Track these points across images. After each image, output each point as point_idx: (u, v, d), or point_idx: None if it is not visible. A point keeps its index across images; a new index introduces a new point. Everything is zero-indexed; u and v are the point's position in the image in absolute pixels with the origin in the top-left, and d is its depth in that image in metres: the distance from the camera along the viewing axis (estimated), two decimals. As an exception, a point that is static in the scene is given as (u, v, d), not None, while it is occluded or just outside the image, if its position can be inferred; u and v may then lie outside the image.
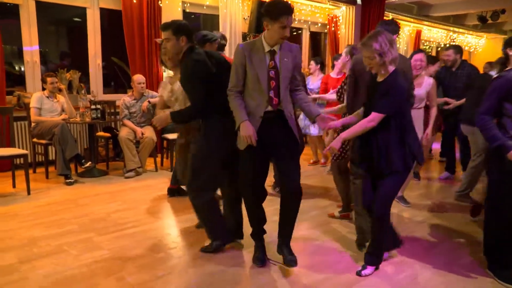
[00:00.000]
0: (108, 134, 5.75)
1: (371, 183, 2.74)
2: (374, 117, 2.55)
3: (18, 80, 5.93)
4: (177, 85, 3.19)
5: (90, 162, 5.09)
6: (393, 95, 2.52)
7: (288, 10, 2.54)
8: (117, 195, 4.52)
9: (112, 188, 4.81)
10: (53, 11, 6.50)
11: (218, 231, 3.06)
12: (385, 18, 9.54)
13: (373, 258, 2.78)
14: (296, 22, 8.65)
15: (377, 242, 2.75)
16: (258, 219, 2.89)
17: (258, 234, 2.93)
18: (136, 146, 5.36)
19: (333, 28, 9.18)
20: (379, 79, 2.64)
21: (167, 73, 6.38)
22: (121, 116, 5.50)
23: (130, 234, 3.41)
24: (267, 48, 2.64)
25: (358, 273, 2.75)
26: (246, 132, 2.58)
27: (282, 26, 2.54)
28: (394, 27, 3.33)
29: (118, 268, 2.81)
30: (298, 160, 2.83)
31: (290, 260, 2.74)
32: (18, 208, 4.04)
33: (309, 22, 8.99)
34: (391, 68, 2.57)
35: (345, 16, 9.15)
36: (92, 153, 5.49)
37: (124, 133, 5.29)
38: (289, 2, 2.65)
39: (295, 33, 9.05)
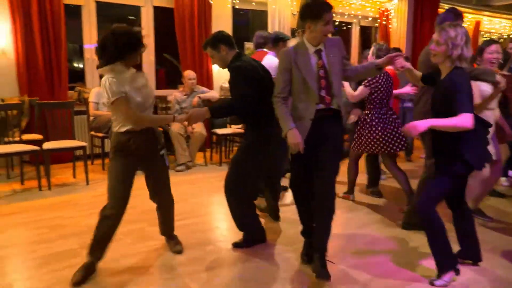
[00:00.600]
0: (160, 129, 5.94)
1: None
2: (467, 119, 2.31)
3: (79, 76, 6.26)
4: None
5: (143, 155, 5.29)
6: (461, 91, 2.35)
7: (328, 6, 2.55)
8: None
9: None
10: (111, 10, 6.79)
11: (253, 228, 3.15)
12: (439, 9, 9.17)
13: (438, 267, 2.60)
14: (345, 17, 8.51)
15: (430, 247, 2.61)
16: (307, 218, 2.90)
17: (307, 232, 2.94)
18: (187, 140, 5.51)
19: (384, 22, 8.94)
20: (442, 75, 2.52)
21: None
22: (173, 111, 5.68)
23: (180, 226, 3.52)
24: (312, 49, 2.63)
25: (431, 283, 2.59)
26: (294, 140, 2.59)
27: (325, 23, 2.54)
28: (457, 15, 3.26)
29: (169, 258, 2.93)
30: (338, 161, 2.76)
31: (322, 273, 2.56)
32: (78, 197, 4.29)
33: (359, 17, 8.81)
34: (457, 64, 2.41)
35: (397, 9, 8.87)
36: (145, 146, 5.69)
37: (175, 127, 5.46)
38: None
39: (345, 27, 8.91)
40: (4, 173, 4.93)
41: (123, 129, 2.60)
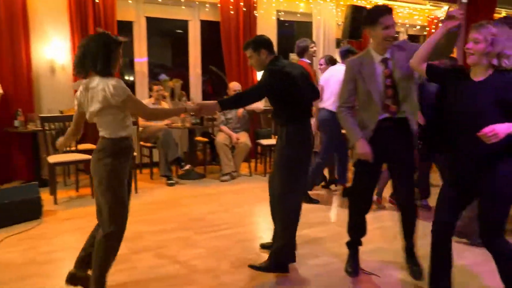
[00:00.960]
0: (205, 139, 6.10)
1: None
2: None
3: (129, 89, 6.52)
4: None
5: (189, 165, 5.44)
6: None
7: (386, 10, 2.52)
8: (213, 197, 4.76)
9: (208, 190, 5.09)
10: (159, 25, 7.07)
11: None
12: (495, 15, 8.80)
13: None
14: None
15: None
16: (358, 229, 2.87)
17: (354, 243, 2.91)
18: (232, 151, 5.60)
19: (433, 30, 8.68)
20: (478, 77, 2.19)
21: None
22: (218, 121, 5.79)
23: (225, 235, 3.58)
24: (377, 58, 2.61)
25: None
26: (362, 150, 2.59)
27: (384, 27, 2.51)
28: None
29: (213, 266, 2.98)
30: (413, 169, 2.75)
31: (415, 271, 2.78)
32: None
33: (407, 25, 8.62)
34: (495, 63, 2.14)
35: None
36: (191, 156, 5.86)
37: (220, 138, 5.57)
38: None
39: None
40: (61, 180, 5.21)
41: (124, 134, 2.44)
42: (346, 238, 2.95)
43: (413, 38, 9.33)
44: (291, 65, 3.00)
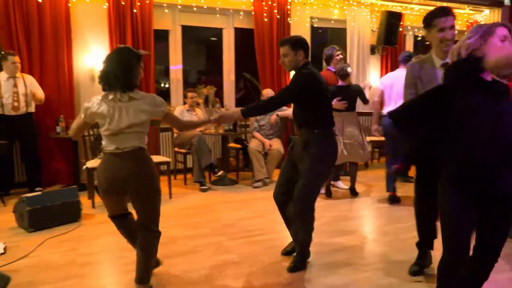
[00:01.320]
0: (238, 145, 6.14)
1: None
2: None
3: (164, 96, 6.69)
4: None
5: (222, 171, 5.49)
6: None
7: (442, 12, 2.46)
8: (246, 203, 4.78)
9: (241, 196, 5.11)
10: (194, 33, 7.21)
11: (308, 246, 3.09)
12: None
13: None
14: (429, 31, 8.16)
15: None
16: (430, 229, 2.79)
17: (426, 243, 2.85)
18: (264, 157, 5.61)
19: (472, 35, 8.42)
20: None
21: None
22: (251, 128, 5.83)
23: (257, 241, 3.59)
24: (438, 63, 2.54)
25: None
26: None
27: (439, 29, 2.45)
28: None
29: (245, 272, 2.98)
30: None
31: None
32: (162, 209, 4.49)
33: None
34: None
35: (489, 20, 8.32)
36: (224, 163, 5.91)
37: (253, 144, 5.59)
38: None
39: (428, 42, 8.54)
40: (99, 184, 5.37)
41: (145, 146, 2.57)
42: (377, 247, 2.89)
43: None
44: (318, 73, 3.03)
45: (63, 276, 2.90)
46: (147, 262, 2.57)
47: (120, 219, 2.76)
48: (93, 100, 2.53)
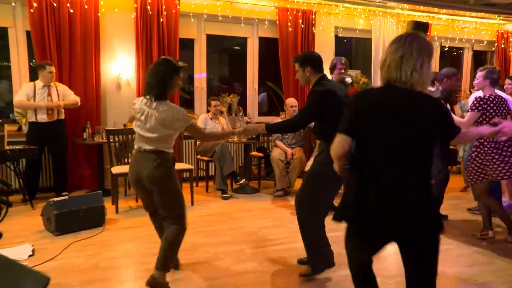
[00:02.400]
0: (261, 154, 6.14)
1: None
2: None
3: (188, 104, 6.77)
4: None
5: (244, 180, 5.49)
6: None
7: None
8: (267, 212, 4.77)
9: (263, 205, 5.10)
10: (219, 42, 7.29)
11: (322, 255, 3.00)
12: None
13: None
14: (456, 41, 8.03)
15: None
16: None
17: None
18: (287, 166, 5.59)
19: (502, 45, 8.24)
20: None
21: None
22: (274, 137, 5.82)
23: (278, 250, 3.56)
24: None
25: None
26: None
27: None
28: None
29: (266, 281, 2.96)
30: None
31: None
32: (184, 216, 4.57)
33: (472, 41, 8.25)
34: None
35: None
36: (246, 171, 5.92)
37: (276, 153, 5.59)
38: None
39: (455, 53, 8.41)
40: (123, 190, 5.46)
41: (171, 150, 2.80)
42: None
43: (479, 55, 8.91)
44: (337, 85, 3.02)
45: (87, 279, 2.95)
46: (165, 252, 2.74)
47: (154, 217, 3.07)
48: (140, 98, 2.82)
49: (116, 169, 4.73)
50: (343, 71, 4.94)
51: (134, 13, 5.74)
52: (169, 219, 2.77)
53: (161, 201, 2.76)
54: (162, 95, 2.68)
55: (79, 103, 5.22)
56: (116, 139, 4.95)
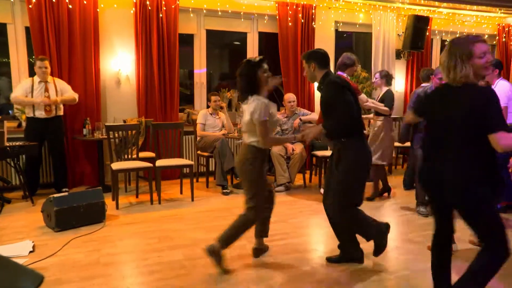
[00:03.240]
0: (261, 149, 6.12)
1: None
2: None
3: (188, 99, 6.76)
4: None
5: (244, 175, 5.48)
6: None
7: None
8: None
9: (263, 200, 5.09)
10: (218, 37, 7.26)
11: (375, 234, 3.06)
12: None
13: None
14: (457, 35, 8.00)
15: None
16: None
17: None
18: (287, 161, 5.58)
19: (504, 39, 8.20)
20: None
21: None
22: (274, 132, 5.79)
23: (279, 245, 3.56)
24: None
25: None
26: None
27: None
28: None
29: (267, 277, 2.96)
30: None
31: None
32: (184, 212, 4.57)
33: (474, 34, 8.20)
34: None
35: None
36: (246, 166, 5.90)
37: (276, 148, 5.57)
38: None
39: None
40: (123, 186, 5.46)
41: (255, 143, 3.00)
42: (401, 255, 2.82)
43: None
44: (340, 79, 3.04)
45: (88, 275, 2.95)
46: (231, 228, 3.04)
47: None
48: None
49: (116, 165, 4.73)
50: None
51: (133, 9, 5.71)
52: (246, 204, 3.06)
53: (245, 187, 3.14)
54: (249, 91, 2.95)
55: (77, 99, 5.21)
56: (116, 135, 4.94)
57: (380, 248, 3.06)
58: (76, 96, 5.18)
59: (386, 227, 3.09)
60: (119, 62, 5.84)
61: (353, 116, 2.90)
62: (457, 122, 2.12)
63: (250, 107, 2.91)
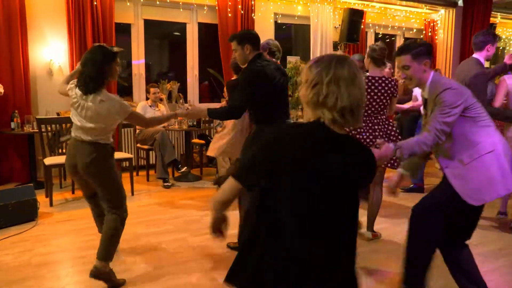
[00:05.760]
0: (202, 141, 6.10)
1: None
2: None
3: (127, 91, 6.54)
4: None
5: (185, 168, 5.44)
6: None
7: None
8: (209, 200, 4.74)
9: (205, 192, 5.09)
10: (157, 27, 7.08)
11: None
12: (492, 19, 8.86)
13: None
14: (389, 29, 8.40)
15: None
16: None
17: None
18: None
19: (430, 34, 8.73)
20: None
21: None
22: (215, 124, 5.79)
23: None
24: None
25: None
26: None
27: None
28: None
29: (210, 267, 2.98)
30: None
31: None
32: (124, 207, 4.45)
33: (403, 28, 8.66)
34: None
35: (444, 20, 8.65)
36: (188, 159, 5.86)
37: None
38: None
39: (388, 40, 8.79)
40: (57, 182, 5.20)
41: (109, 141, 2.74)
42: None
43: (410, 42, 9.36)
44: (267, 63, 2.99)
45: (17, 278, 2.79)
46: (106, 241, 2.68)
47: (89, 200, 3.02)
48: (74, 82, 2.73)
49: (49, 160, 4.49)
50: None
51: (64, -5, 5.41)
52: (109, 209, 2.73)
53: (101, 193, 2.74)
54: (98, 86, 2.58)
55: (2, 91, 4.86)
56: (49, 128, 4.68)
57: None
58: (0, 88, 4.83)
59: None
60: (50, 51, 5.52)
61: (243, 107, 2.88)
62: None
63: (105, 109, 2.62)
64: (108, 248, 2.68)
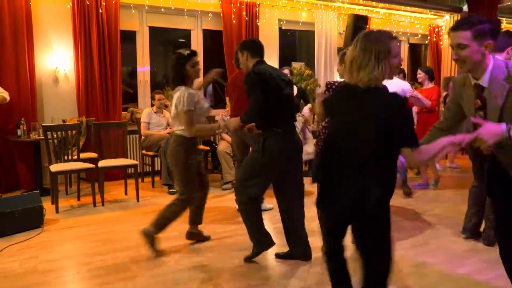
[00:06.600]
0: (207, 148, 6.10)
1: None
2: None
3: (132, 98, 6.57)
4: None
5: (191, 174, 5.44)
6: None
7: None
8: (215, 206, 4.75)
9: (210, 199, 5.05)
10: (162, 34, 7.12)
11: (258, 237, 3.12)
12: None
13: None
14: (394, 34, 8.39)
15: None
16: None
17: None
18: (233, 159, 5.59)
19: (434, 39, 8.72)
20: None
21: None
22: (220, 130, 5.79)
23: (226, 243, 3.57)
24: (472, 82, 2.02)
25: None
26: None
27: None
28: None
29: (215, 275, 2.96)
30: None
31: None
32: (130, 213, 4.46)
33: (408, 34, 8.66)
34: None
35: (449, 25, 8.62)
36: (193, 165, 5.85)
37: (222, 146, 5.57)
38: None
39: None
40: (63, 189, 5.21)
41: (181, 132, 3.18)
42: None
43: (415, 47, 9.38)
44: (273, 69, 3.09)
45: (23, 285, 2.79)
46: (158, 217, 3.23)
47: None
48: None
49: (55, 167, 4.51)
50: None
51: (70, 3, 5.46)
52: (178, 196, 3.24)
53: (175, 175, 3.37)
54: (176, 82, 3.18)
55: (8, 99, 4.88)
56: (55, 135, 4.70)
57: (251, 256, 3.13)
58: (6, 94, 4.85)
59: (268, 244, 3.13)
60: (56, 59, 5.56)
61: (260, 112, 2.91)
62: (365, 135, 1.82)
63: (175, 98, 3.12)
64: (162, 223, 3.23)
